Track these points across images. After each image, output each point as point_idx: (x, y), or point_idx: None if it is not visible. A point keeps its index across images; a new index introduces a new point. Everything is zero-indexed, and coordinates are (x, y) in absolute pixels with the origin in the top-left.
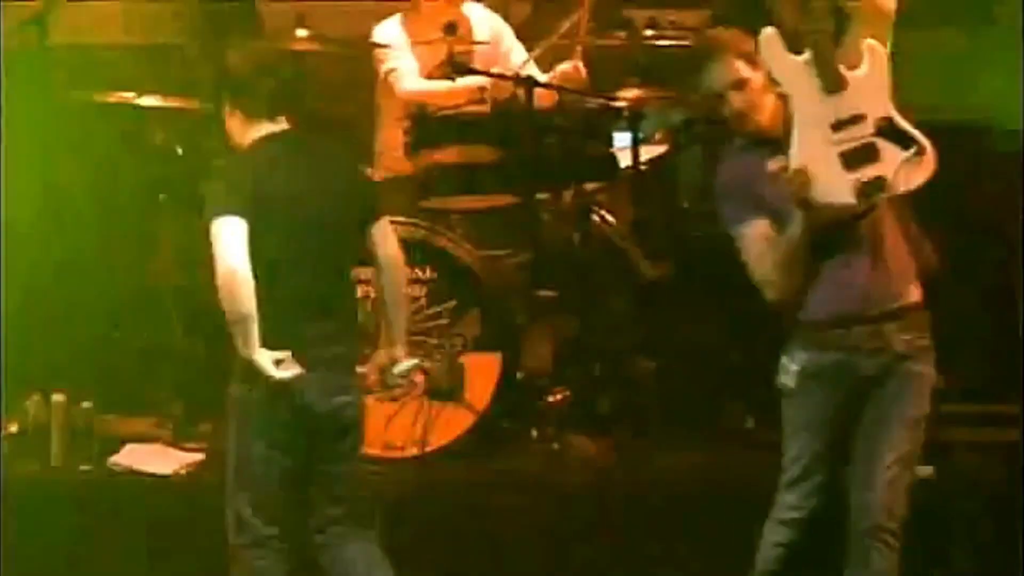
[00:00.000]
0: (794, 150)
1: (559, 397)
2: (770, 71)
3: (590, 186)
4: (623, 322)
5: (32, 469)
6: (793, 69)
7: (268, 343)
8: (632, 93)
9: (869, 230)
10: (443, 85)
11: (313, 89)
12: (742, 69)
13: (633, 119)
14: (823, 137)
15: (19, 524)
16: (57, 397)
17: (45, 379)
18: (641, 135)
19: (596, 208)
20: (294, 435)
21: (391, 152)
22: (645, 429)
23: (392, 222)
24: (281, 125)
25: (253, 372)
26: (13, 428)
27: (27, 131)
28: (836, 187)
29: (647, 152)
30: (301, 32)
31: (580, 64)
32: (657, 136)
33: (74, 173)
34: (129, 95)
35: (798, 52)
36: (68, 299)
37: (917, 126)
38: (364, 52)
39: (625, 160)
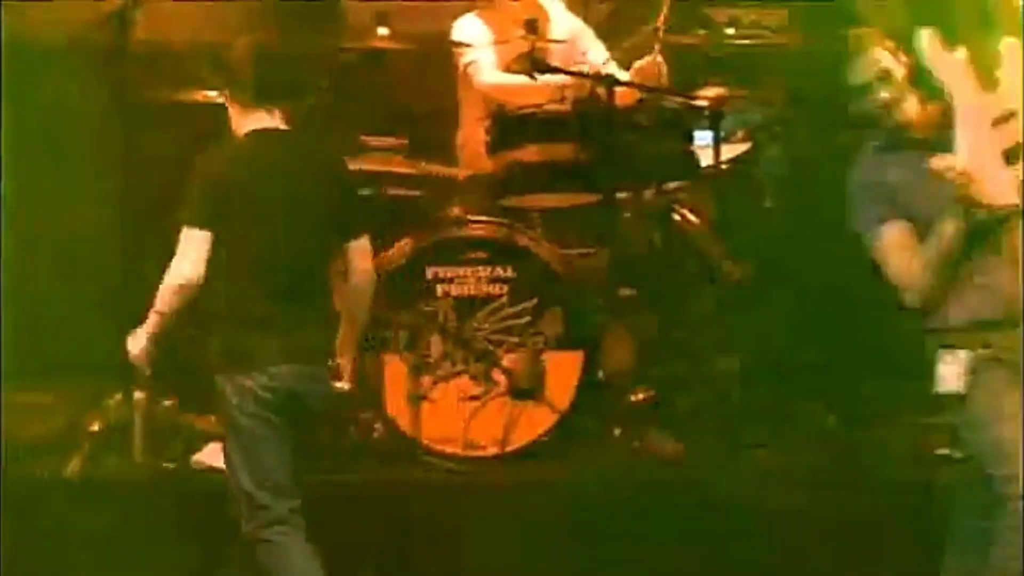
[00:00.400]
0: (960, 149)
1: (640, 396)
2: (931, 69)
3: (671, 185)
4: (704, 321)
5: (115, 466)
6: (953, 67)
7: (242, 335)
8: (713, 91)
9: (1012, 232)
10: (522, 79)
11: (316, 85)
12: (886, 61)
13: (714, 117)
14: (986, 135)
15: (102, 520)
16: (138, 395)
17: (126, 377)
18: (722, 133)
19: (677, 207)
20: (278, 415)
21: (472, 150)
22: (726, 428)
23: (474, 220)
24: (274, 121)
25: (230, 362)
26: (95, 426)
27: (108, 128)
28: (1000, 187)
29: (728, 151)
30: (382, 30)
31: (659, 58)
32: (738, 135)
33: (153, 172)
34: (210, 93)
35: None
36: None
37: None
38: (445, 50)
39: (706, 159)
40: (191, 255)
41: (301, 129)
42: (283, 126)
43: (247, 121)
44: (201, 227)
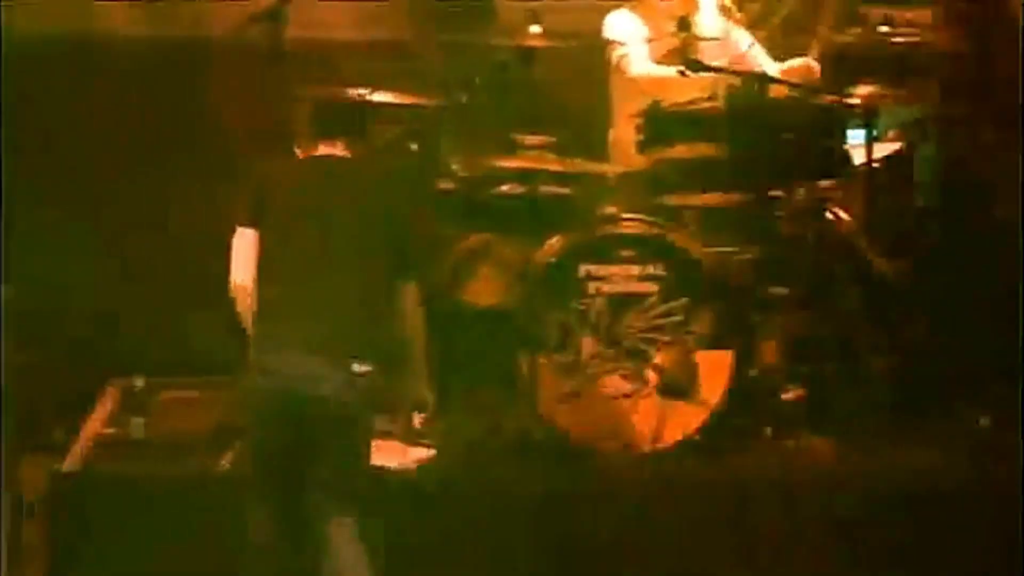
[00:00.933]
0: None
1: (792, 395)
2: None
3: (823, 183)
4: (856, 320)
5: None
6: None
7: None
8: (866, 90)
9: None
10: (674, 71)
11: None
12: None
13: (867, 116)
14: None
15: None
16: None
17: None
18: (875, 132)
19: (829, 205)
20: (281, 416)
21: (624, 147)
22: (879, 427)
23: (625, 218)
24: (336, 150)
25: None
26: None
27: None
28: None
29: (881, 149)
30: (534, 28)
31: (813, 63)
32: (891, 134)
33: None
34: (362, 91)
35: None
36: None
37: None
38: (597, 46)
39: (859, 157)
40: (244, 257)
41: (368, 163)
42: (345, 154)
43: (311, 146)
44: (251, 227)
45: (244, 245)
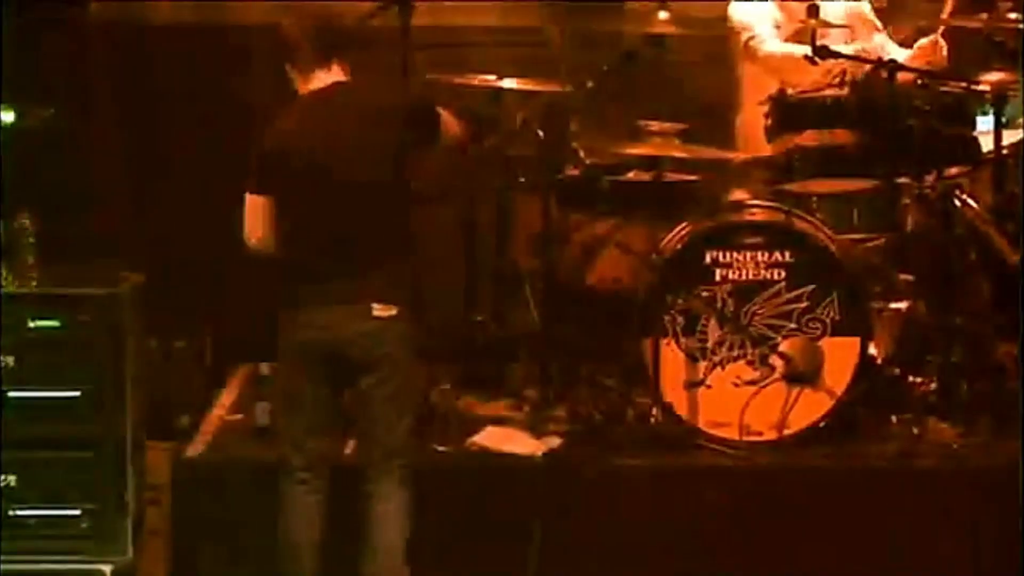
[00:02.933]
0: None
1: (919, 382)
2: None
3: (952, 170)
4: (984, 307)
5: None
6: None
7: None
8: (995, 76)
9: None
10: (804, 49)
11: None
12: None
13: (996, 103)
14: None
15: None
16: None
17: None
18: (1004, 119)
19: (957, 192)
20: (318, 363)
21: (751, 134)
22: (1006, 416)
23: (752, 205)
24: (334, 76)
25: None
26: None
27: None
28: None
29: (1010, 136)
30: (663, 14)
31: (941, 40)
32: (1020, 120)
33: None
34: (490, 77)
35: None
36: (428, 281)
37: None
38: (725, 32)
39: (987, 144)
40: (253, 220)
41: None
42: (342, 78)
43: (309, 80)
44: (261, 193)
45: (256, 211)
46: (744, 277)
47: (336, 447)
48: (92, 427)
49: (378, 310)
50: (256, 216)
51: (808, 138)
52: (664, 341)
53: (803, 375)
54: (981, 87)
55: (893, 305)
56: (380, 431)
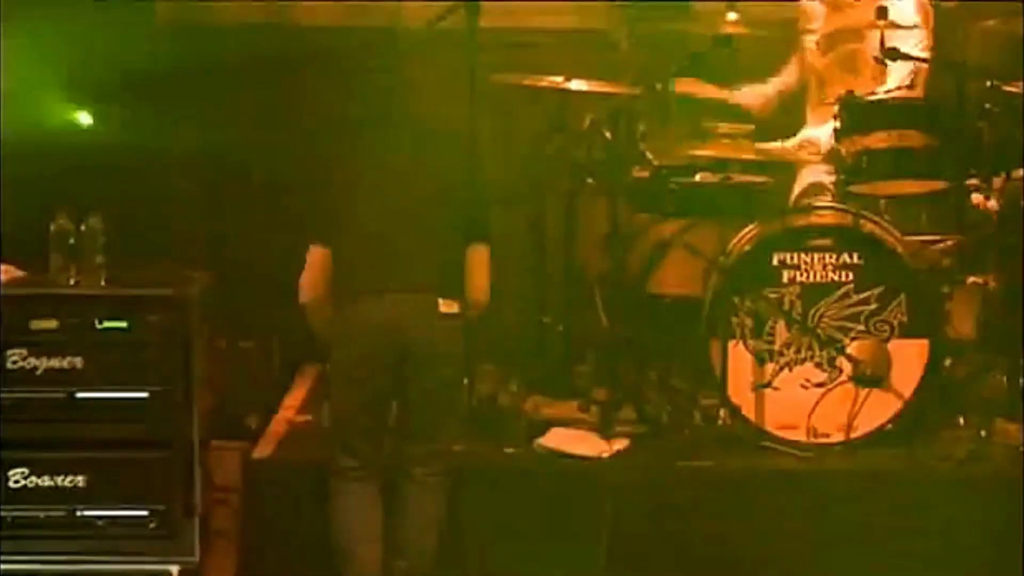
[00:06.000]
0: None
1: (987, 385)
2: None
3: (1020, 172)
4: None
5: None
6: None
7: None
8: None
9: None
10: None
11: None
12: None
13: None
14: None
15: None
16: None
17: (474, 359)
18: None
19: None
20: (377, 357)
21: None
22: None
23: (820, 207)
24: None
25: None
26: None
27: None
28: None
29: None
30: (731, 15)
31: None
32: None
33: (500, 157)
34: (557, 79)
35: None
36: (497, 282)
37: None
38: (793, 34)
39: None
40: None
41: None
42: None
43: None
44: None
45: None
46: (812, 279)
47: (390, 444)
48: (160, 428)
49: (443, 306)
50: (315, 270)
51: (877, 140)
52: (732, 343)
53: (871, 377)
54: None
55: (962, 306)
56: (429, 429)
